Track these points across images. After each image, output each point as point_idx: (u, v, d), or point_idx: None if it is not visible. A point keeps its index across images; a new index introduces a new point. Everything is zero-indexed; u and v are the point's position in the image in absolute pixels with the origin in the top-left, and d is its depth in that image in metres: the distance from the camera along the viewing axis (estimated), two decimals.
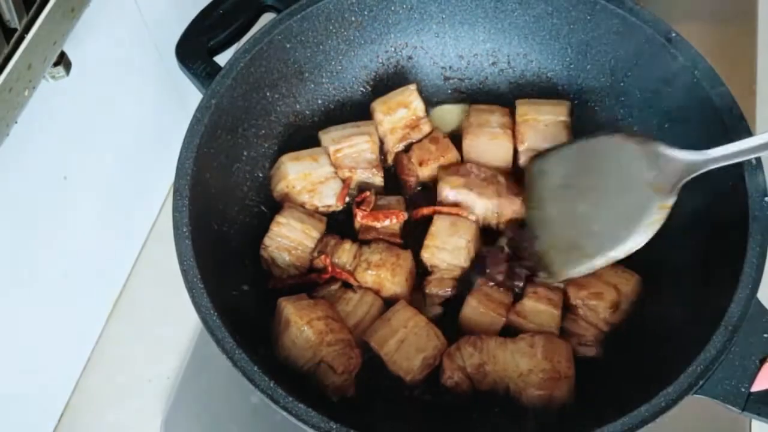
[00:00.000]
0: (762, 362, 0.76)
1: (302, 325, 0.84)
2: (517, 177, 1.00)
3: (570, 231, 0.89)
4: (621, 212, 0.85)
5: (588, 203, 0.88)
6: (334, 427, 0.72)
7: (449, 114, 1.09)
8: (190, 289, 0.79)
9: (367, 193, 0.97)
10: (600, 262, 0.86)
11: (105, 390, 1.03)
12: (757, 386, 0.75)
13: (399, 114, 1.02)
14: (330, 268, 0.93)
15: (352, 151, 0.99)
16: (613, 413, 0.72)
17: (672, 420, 0.73)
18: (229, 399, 1.00)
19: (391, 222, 0.96)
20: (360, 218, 0.96)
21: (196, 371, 1.03)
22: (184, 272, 0.79)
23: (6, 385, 0.90)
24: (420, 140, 1.02)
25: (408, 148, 1.02)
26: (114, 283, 1.10)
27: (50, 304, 0.95)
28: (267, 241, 0.93)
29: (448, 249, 0.93)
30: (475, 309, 0.90)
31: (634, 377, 0.84)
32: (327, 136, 1.00)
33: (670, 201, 0.83)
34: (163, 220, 1.16)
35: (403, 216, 0.97)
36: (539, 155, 0.95)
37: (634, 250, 0.84)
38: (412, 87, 1.02)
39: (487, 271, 0.93)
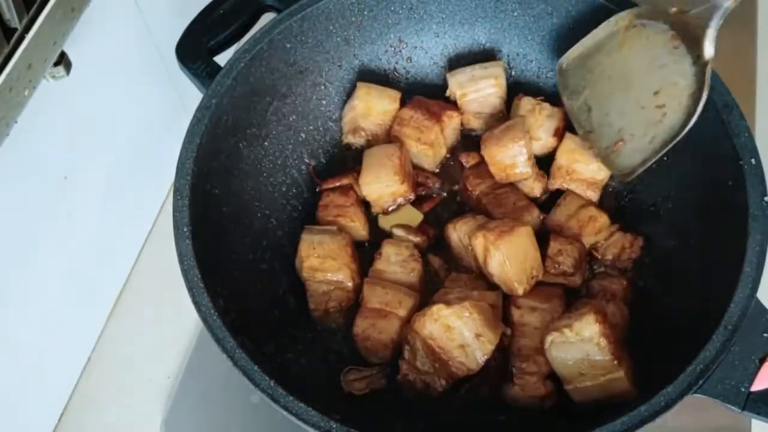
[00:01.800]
0: (762, 362, 0.76)
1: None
2: None
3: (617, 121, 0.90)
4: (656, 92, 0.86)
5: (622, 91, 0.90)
6: (334, 426, 0.72)
7: None
8: (190, 289, 0.79)
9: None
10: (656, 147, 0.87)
11: (105, 390, 1.03)
12: (757, 386, 0.75)
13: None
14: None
15: (478, 95, 1.02)
16: (613, 412, 0.72)
17: (672, 420, 0.73)
18: (229, 399, 1.00)
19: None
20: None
21: (196, 371, 1.03)
22: (184, 272, 0.79)
23: (6, 385, 0.90)
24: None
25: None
26: (114, 283, 1.10)
27: (50, 303, 0.95)
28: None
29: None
30: None
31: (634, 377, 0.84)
32: (454, 79, 1.03)
33: (708, 52, 0.82)
34: (163, 220, 1.16)
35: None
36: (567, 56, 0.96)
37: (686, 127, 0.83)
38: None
39: None
